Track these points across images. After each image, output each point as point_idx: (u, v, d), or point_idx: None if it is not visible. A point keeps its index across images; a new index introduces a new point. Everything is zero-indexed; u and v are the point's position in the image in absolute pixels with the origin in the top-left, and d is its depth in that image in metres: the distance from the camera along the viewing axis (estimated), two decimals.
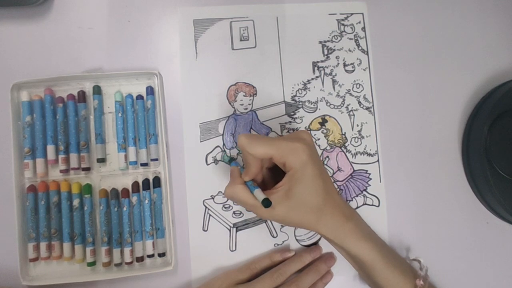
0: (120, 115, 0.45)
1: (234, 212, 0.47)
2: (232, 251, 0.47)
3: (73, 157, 0.45)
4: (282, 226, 0.48)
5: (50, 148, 0.44)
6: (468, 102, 0.51)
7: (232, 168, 0.43)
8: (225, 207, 0.47)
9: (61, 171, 0.45)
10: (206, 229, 0.47)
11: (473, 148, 0.49)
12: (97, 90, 0.46)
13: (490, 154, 0.47)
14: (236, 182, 0.41)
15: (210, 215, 0.47)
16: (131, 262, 0.45)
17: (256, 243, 0.47)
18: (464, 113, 0.51)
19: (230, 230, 0.47)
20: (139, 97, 0.46)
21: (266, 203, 0.37)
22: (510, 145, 0.48)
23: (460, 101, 0.51)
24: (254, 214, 0.43)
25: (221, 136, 0.48)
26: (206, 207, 0.47)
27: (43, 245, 0.44)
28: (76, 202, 0.44)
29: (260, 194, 0.38)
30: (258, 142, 0.38)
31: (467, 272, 0.49)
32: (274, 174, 0.44)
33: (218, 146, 0.48)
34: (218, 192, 0.47)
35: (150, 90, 0.46)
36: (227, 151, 0.48)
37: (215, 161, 0.48)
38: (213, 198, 0.47)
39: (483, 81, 0.52)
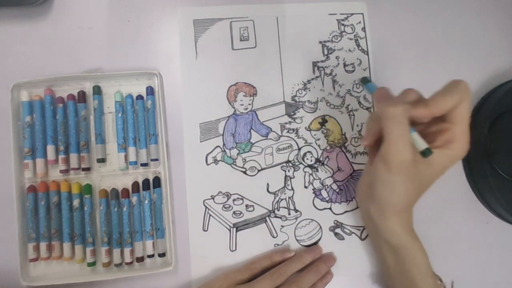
0: (120, 115, 0.45)
1: (234, 212, 0.47)
2: (232, 251, 0.47)
3: (73, 157, 0.45)
4: (282, 226, 0.48)
5: (50, 148, 0.44)
6: None
7: (380, 89, 0.38)
8: (225, 207, 0.47)
9: (61, 171, 0.45)
10: (206, 229, 0.47)
11: (473, 148, 0.48)
12: (97, 90, 0.46)
13: (490, 154, 0.47)
14: (403, 103, 0.35)
15: (210, 215, 0.47)
16: (131, 262, 0.45)
17: (256, 243, 0.47)
18: None
19: (230, 230, 0.47)
20: (139, 97, 0.46)
21: (428, 151, 0.34)
22: (510, 145, 0.48)
23: None
24: (386, 155, 0.35)
25: (221, 136, 0.48)
26: (206, 207, 0.47)
27: (43, 245, 0.44)
28: (76, 202, 0.44)
29: (420, 139, 0.34)
30: None
31: (467, 272, 0.49)
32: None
33: (218, 146, 0.48)
34: (218, 192, 0.47)
35: (150, 90, 0.46)
36: (227, 151, 0.48)
37: (215, 161, 0.48)
38: (213, 198, 0.47)
39: (483, 81, 0.52)
